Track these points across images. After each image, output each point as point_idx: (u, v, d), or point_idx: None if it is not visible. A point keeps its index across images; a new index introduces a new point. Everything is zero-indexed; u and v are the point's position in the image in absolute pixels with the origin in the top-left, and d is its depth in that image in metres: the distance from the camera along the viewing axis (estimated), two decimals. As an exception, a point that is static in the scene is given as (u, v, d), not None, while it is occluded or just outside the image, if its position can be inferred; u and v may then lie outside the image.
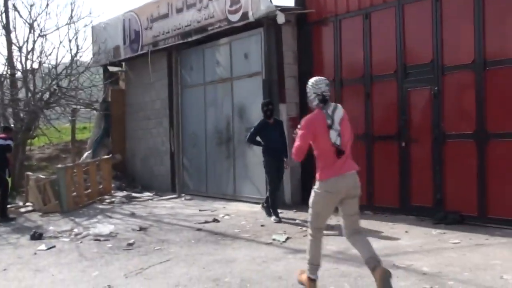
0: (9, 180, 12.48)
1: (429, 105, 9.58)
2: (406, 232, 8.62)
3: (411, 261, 6.84)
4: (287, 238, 8.48)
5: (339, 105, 5.65)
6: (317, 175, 5.54)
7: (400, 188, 10.02)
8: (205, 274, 6.73)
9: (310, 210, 5.62)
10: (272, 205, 10.09)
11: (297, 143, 5.52)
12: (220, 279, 6.48)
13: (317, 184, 5.54)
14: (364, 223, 9.27)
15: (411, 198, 9.88)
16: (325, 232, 7.98)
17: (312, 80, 5.82)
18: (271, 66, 11.56)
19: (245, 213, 10.83)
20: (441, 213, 9.26)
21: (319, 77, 5.91)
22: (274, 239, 8.47)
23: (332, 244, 8.01)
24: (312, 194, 5.58)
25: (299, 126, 5.56)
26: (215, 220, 10.30)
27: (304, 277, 5.70)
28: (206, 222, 10.22)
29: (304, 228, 9.11)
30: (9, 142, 12.52)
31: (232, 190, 12.81)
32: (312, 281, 5.61)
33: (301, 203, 11.38)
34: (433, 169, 9.51)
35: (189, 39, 13.47)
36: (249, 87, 12.24)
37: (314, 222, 5.63)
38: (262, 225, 9.59)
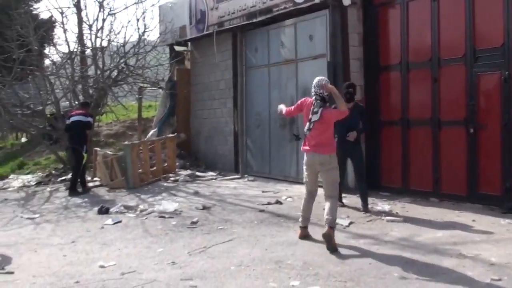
0: (85, 156, 12.86)
1: (499, 90, 9.32)
2: (474, 221, 8.46)
3: (479, 251, 6.73)
4: (350, 223, 8.47)
5: (320, 111, 7.27)
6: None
7: (468, 175, 9.81)
8: (267, 256, 6.82)
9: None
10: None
11: (291, 109, 7.82)
12: (282, 261, 6.55)
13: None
14: (430, 210, 9.22)
15: (478, 186, 9.66)
16: (387, 218, 8.04)
17: (314, 81, 7.44)
18: (336, 48, 11.47)
19: (303, 195, 10.81)
20: (510, 203, 9.04)
21: (319, 77, 7.52)
22: (337, 223, 8.45)
23: (396, 230, 7.97)
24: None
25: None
26: (278, 202, 10.35)
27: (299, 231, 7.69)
28: (269, 203, 10.29)
29: (368, 214, 9.09)
30: (89, 119, 13.03)
31: (295, 172, 12.83)
32: (303, 228, 7.69)
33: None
34: (502, 157, 9.27)
35: (254, 20, 13.46)
36: (313, 69, 12.18)
37: (306, 186, 7.72)
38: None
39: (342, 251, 6.93)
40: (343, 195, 10.10)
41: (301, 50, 12.71)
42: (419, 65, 10.60)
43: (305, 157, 7.55)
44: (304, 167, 7.61)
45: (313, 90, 7.35)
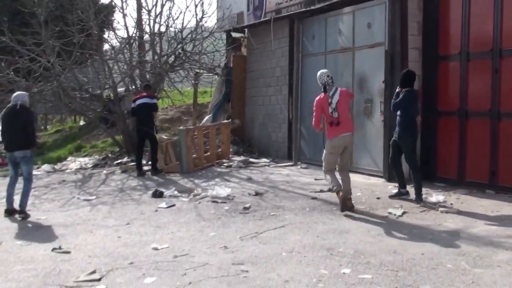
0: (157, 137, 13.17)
1: None
2: (531, 214, 8.24)
3: (536, 247, 6.55)
4: (404, 213, 8.36)
5: (338, 89, 8.73)
6: (327, 136, 8.82)
7: (527, 168, 9.55)
8: (319, 243, 6.80)
9: (324, 160, 8.88)
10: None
11: (315, 116, 8.93)
12: (334, 248, 6.53)
13: (326, 143, 8.84)
14: (486, 203, 9.03)
15: (537, 179, 9.39)
16: (442, 209, 7.92)
17: (318, 73, 8.90)
18: (394, 37, 11.28)
19: (360, 184, 10.76)
20: None
21: (322, 70, 9.03)
22: (390, 213, 8.38)
23: (450, 221, 7.84)
24: (325, 150, 8.87)
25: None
26: (330, 190, 10.28)
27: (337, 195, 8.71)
28: (321, 191, 10.26)
29: (422, 204, 8.95)
30: (155, 100, 13.33)
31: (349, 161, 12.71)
32: (338, 192, 8.62)
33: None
34: None
35: (312, 8, 13.36)
36: (370, 58, 12.04)
37: (328, 166, 8.81)
38: (377, 198, 9.50)
39: (395, 240, 6.86)
40: (395, 184, 10.00)
41: (359, 38, 12.55)
42: (480, 55, 10.33)
43: (333, 141, 8.63)
44: (330, 151, 8.72)
45: (325, 79, 8.68)
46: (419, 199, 9.13)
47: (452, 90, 10.85)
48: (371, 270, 5.70)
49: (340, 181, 8.65)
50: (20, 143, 9.01)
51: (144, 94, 13.32)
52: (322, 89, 8.71)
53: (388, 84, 11.27)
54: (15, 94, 9.43)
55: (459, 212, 8.35)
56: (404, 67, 11.04)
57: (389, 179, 11.05)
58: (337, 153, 8.70)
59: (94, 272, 5.82)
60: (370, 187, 10.45)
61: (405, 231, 7.35)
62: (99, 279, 5.61)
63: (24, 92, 9.61)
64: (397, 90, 9.51)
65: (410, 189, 9.50)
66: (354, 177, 11.36)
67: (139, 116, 13.16)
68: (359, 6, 12.45)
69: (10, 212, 9.06)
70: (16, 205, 9.05)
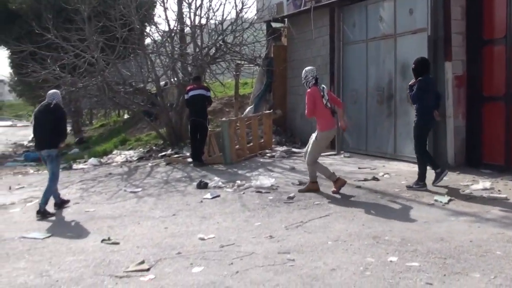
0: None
1: None
2: None
3: None
4: (450, 200, 8.26)
5: (323, 86, 9.44)
6: (320, 128, 9.15)
7: None
8: (364, 231, 6.79)
9: (314, 150, 9.24)
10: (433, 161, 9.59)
11: (308, 108, 9.22)
12: (380, 236, 6.51)
13: (319, 134, 9.14)
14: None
15: None
16: (489, 195, 7.81)
17: (307, 68, 9.45)
18: (437, 22, 11.12)
19: (405, 172, 10.68)
20: None
21: (309, 67, 9.55)
22: (436, 200, 8.30)
23: (498, 208, 7.75)
24: (316, 142, 9.17)
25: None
26: (375, 179, 10.24)
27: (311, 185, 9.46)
28: (365, 180, 10.21)
29: (467, 191, 8.84)
30: (209, 93, 13.58)
31: (393, 149, 12.64)
32: (338, 179, 9.27)
33: (465, 164, 10.99)
34: None
35: (352, -5, 13.28)
36: (413, 44, 11.89)
37: (315, 158, 9.28)
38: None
39: (441, 228, 6.80)
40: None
41: (400, 24, 12.41)
42: (526, 38, 10.12)
43: (327, 133, 9.25)
44: (324, 142, 9.38)
45: (314, 74, 9.30)
46: (417, 183, 9.26)
47: (498, 75, 10.65)
48: (418, 257, 5.67)
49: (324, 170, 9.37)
50: (48, 142, 9.06)
51: (197, 86, 13.45)
52: (313, 82, 9.23)
53: (431, 71, 11.10)
54: (50, 92, 9.48)
55: (508, 199, 8.23)
56: (448, 52, 10.91)
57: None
58: (326, 145, 9.77)
59: (143, 262, 5.93)
60: (415, 175, 10.31)
61: (452, 219, 7.28)
62: (148, 269, 5.72)
63: (58, 91, 9.72)
64: (410, 83, 9.45)
65: (457, 176, 9.37)
66: (399, 165, 11.32)
67: (193, 108, 13.31)
68: (400, -9, 12.31)
69: (59, 205, 9.31)
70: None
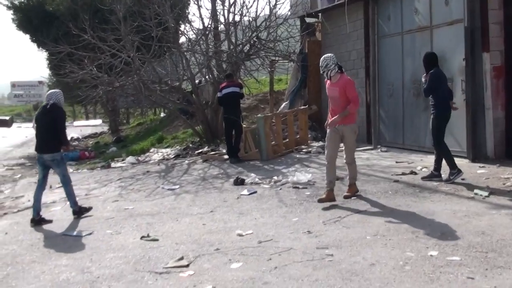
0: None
1: None
2: None
3: None
4: (490, 193, 8.13)
5: None
6: (351, 120, 8.38)
7: None
8: (403, 226, 6.74)
9: (354, 146, 8.60)
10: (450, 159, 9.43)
11: (356, 96, 8.39)
12: (419, 231, 6.46)
13: (355, 127, 8.49)
14: None
15: None
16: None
17: (327, 55, 8.51)
18: (474, 12, 10.92)
19: (444, 166, 10.51)
20: None
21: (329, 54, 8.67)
22: (476, 194, 8.18)
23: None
24: (354, 136, 8.48)
25: None
26: (413, 173, 10.13)
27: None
28: (403, 174, 10.11)
29: (508, 184, 8.69)
30: (242, 90, 13.68)
31: (430, 143, 12.45)
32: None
33: (505, 156, 10.80)
34: None
35: (387, -12, 13.15)
36: (449, 36, 11.72)
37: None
38: (462, 179, 9.26)
39: (482, 222, 6.70)
40: (481, 164, 9.74)
41: (436, 16, 12.24)
42: None
43: (355, 125, 8.54)
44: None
45: (332, 62, 8.40)
46: (452, 174, 9.15)
47: (537, 65, 10.45)
48: (459, 252, 5.60)
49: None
50: (49, 145, 8.70)
51: (230, 83, 13.51)
52: (336, 70, 8.45)
53: (469, 62, 10.94)
54: (48, 92, 9.20)
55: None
56: (485, 43, 10.74)
57: (474, 160, 10.76)
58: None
59: (182, 258, 5.99)
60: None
61: (493, 212, 7.16)
62: (187, 265, 5.76)
63: (58, 90, 9.23)
64: (422, 78, 9.50)
65: (497, 169, 9.22)
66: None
67: (226, 105, 13.39)
68: (435, -17, 12.15)
69: (36, 222, 8.52)
70: (47, 215, 8.97)
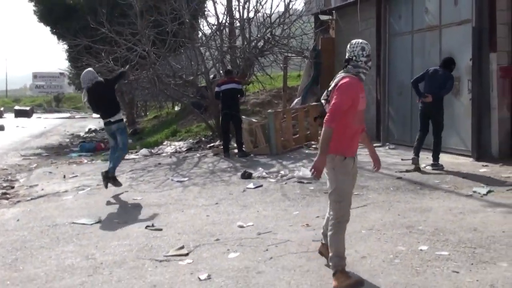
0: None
1: None
2: None
3: None
4: (489, 191, 8.29)
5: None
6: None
7: None
8: (399, 221, 6.93)
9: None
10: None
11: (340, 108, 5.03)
12: (413, 226, 6.64)
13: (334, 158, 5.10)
14: None
15: None
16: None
17: (363, 42, 5.28)
18: (482, 13, 11.05)
19: (447, 164, 10.67)
20: None
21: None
22: (474, 192, 8.34)
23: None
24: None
25: None
26: (416, 170, 10.29)
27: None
28: (407, 171, 10.27)
29: (507, 182, 8.83)
30: (241, 86, 13.91)
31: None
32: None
33: (509, 156, 10.92)
34: None
35: (399, -13, 13.29)
36: (458, 35, 11.85)
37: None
38: (464, 177, 9.43)
39: (476, 219, 6.87)
40: (485, 163, 9.88)
41: (445, 15, 12.38)
42: None
43: (346, 162, 5.11)
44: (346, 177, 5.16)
45: (364, 54, 5.14)
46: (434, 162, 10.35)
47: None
48: (448, 247, 5.79)
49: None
50: (114, 115, 10.01)
51: (229, 79, 13.71)
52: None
53: (476, 62, 11.07)
54: (85, 74, 10.10)
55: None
56: (492, 43, 10.87)
57: (478, 159, 10.90)
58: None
59: (182, 247, 6.24)
60: (457, 166, 10.37)
61: (489, 210, 7.33)
62: (187, 254, 6.02)
63: (91, 69, 10.48)
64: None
65: (499, 168, 9.36)
66: (442, 157, 11.29)
67: (226, 101, 13.59)
68: (445, -17, 12.27)
69: (107, 177, 9.91)
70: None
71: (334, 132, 5.01)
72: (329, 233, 5.19)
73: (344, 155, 5.08)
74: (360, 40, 5.27)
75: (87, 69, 10.40)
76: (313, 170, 5.03)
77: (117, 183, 9.89)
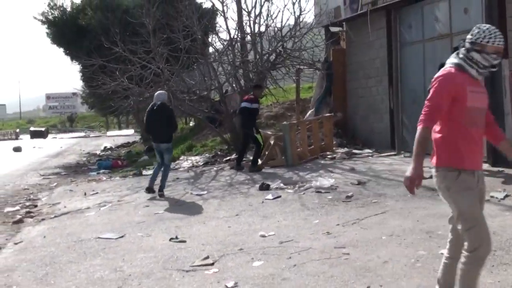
0: (259, 136, 13.68)
1: None
2: None
3: None
4: (506, 196, 8.39)
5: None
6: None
7: None
8: (418, 227, 7.04)
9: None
10: None
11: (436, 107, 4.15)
12: (433, 231, 6.75)
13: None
14: None
15: None
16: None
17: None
18: (492, 20, 11.14)
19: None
20: None
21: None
22: (492, 196, 8.43)
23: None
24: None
25: None
26: (432, 177, 10.36)
27: None
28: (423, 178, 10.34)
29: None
30: (255, 105, 13.68)
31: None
32: None
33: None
34: None
35: (408, -3, 13.45)
36: (469, 43, 11.96)
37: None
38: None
39: (495, 222, 6.95)
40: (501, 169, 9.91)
41: (456, 24, 12.52)
42: None
43: (462, 177, 4.11)
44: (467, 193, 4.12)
45: (489, 39, 3.96)
46: None
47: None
48: (468, 250, 5.89)
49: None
50: (165, 136, 11.20)
51: (247, 97, 13.86)
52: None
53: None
54: (157, 93, 11.56)
55: None
56: (504, 50, 10.93)
57: (494, 164, 10.98)
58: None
59: (207, 257, 6.39)
60: (473, 172, 10.47)
61: (507, 214, 7.44)
62: (212, 264, 6.16)
63: (163, 92, 11.87)
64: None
65: None
66: (457, 163, 11.40)
67: (240, 119, 14.06)
68: (455, -9, 12.42)
69: (149, 190, 11.27)
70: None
71: (441, 138, 4.16)
72: (460, 269, 4.12)
73: (457, 168, 4.07)
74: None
75: (162, 91, 12.06)
76: (406, 182, 4.15)
77: (163, 196, 11.02)
